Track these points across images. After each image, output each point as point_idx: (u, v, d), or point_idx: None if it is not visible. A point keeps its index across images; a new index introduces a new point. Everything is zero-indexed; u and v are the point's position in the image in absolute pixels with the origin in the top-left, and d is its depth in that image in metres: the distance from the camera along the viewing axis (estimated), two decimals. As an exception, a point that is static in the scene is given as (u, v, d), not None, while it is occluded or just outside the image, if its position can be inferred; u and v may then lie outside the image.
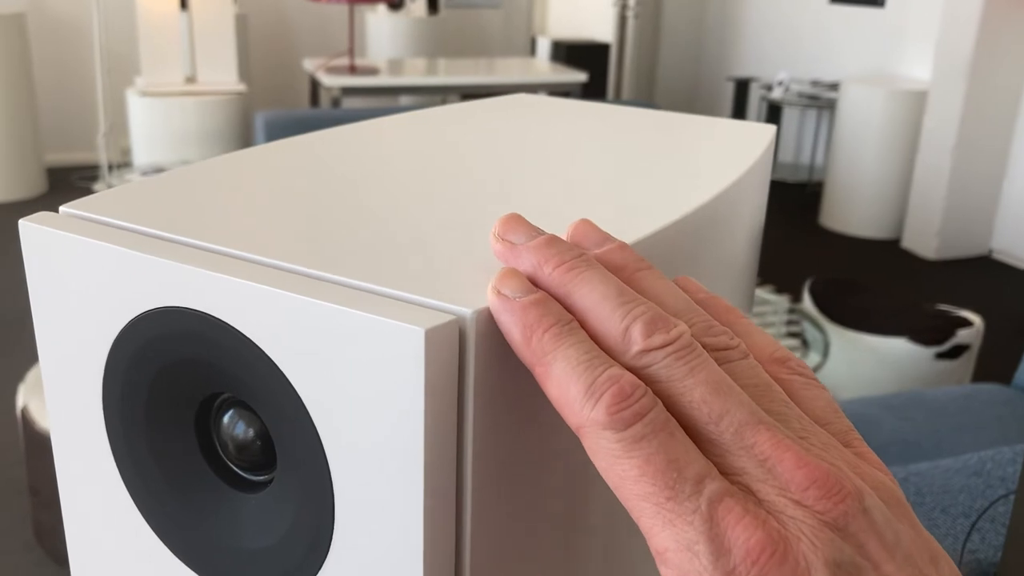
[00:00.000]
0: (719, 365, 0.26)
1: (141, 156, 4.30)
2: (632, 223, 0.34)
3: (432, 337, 0.25)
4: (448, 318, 0.26)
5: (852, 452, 0.26)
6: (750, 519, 0.23)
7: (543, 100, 0.60)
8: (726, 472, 0.24)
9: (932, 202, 4.24)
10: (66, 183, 4.70)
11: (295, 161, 0.42)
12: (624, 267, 0.29)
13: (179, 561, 0.33)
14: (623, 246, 0.30)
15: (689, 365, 0.25)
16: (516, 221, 0.29)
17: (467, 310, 0.26)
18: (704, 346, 0.26)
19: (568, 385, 0.25)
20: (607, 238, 0.30)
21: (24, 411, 1.84)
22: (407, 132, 0.50)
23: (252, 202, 0.36)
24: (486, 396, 0.27)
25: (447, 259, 0.30)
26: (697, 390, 0.25)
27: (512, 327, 0.26)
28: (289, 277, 0.28)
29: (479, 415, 0.27)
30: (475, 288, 0.28)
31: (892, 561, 0.24)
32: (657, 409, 0.24)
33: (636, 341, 0.25)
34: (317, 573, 0.30)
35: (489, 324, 0.27)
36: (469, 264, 0.30)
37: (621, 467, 0.24)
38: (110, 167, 4.54)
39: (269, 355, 0.28)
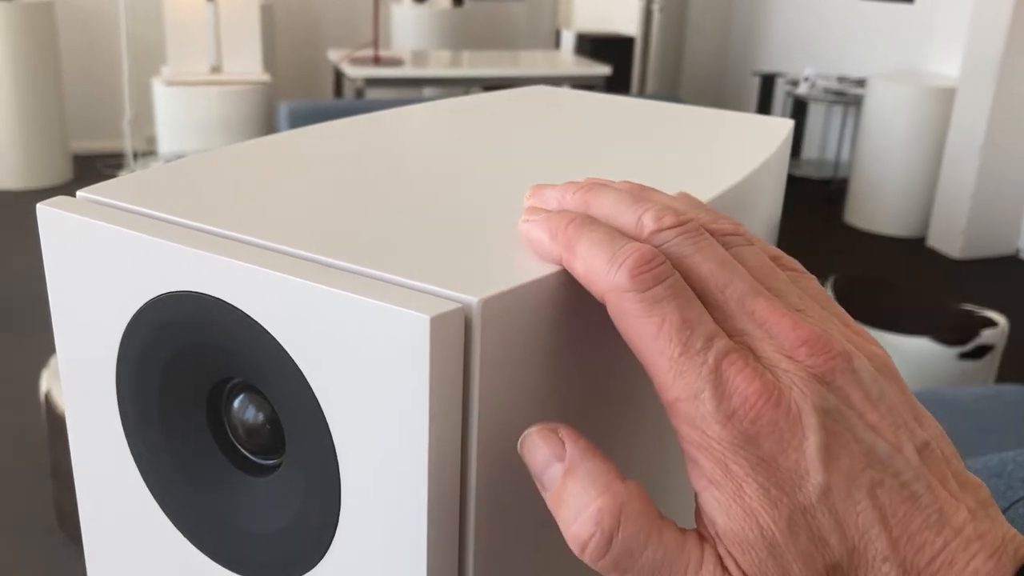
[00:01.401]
0: (726, 249, 0.29)
1: (166, 145, 4.34)
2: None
3: (437, 324, 0.25)
4: (454, 306, 0.26)
5: (849, 330, 0.29)
6: (750, 371, 0.26)
7: (559, 92, 0.60)
8: (730, 334, 0.27)
9: (958, 201, 4.19)
10: (92, 171, 4.74)
11: (311, 149, 0.43)
12: (631, 190, 0.32)
13: (189, 542, 0.34)
14: (628, 182, 0.33)
15: (697, 244, 0.28)
16: (543, 184, 0.33)
17: (473, 298, 0.26)
18: (712, 232, 0.29)
19: (593, 259, 0.28)
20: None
21: (47, 395, 1.86)
22: (423, 122, 0.50)
23: (266, 189, 0.36)
24: (491, 384, 0.27)
25: (456, 248, 0.31)
26: (705, 264, 0.28)
27: (541, 233, 0.29)
28: (299, 263, 0.29)
29: (484, 402, 0.27)
30: (482, 276, 0.28)
31: (876, 411, 0.26)
32: (675, 276, 0.27)
33: (648, 225, 0.29)
34: (323, 556, 0.30)
35: (495, 313, 0.27)
36: (477, 253, 0.30)
37: (641, 325, 0.26)
38: (135, 155, 4.58)
39: (278, 340, 0.28)
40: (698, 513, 0.27)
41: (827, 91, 5.03)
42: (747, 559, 0.25)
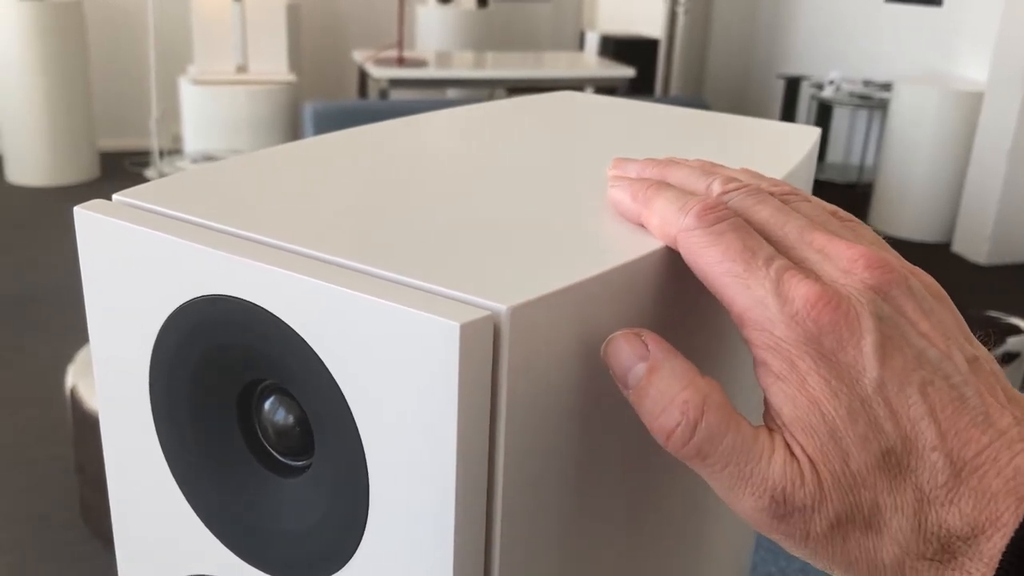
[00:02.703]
0: (784, 204, 0.33)
1: (192, 143, 4.37)
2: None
3: (467, 331, 0.26)
4: (483, 313, 0.26)
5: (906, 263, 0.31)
6: (810, 280, 0.29)
7: (586, 97, 0.60)
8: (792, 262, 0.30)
9: (985, 206, 4.15)
10: (118, 168, 4.79)
11: (341, 155, 0.43)
12: (702, 165, 0.36)
13: (217, 541, 0.34)
14: (699, 159, 0.37)
15: (757, 198, 0.32)
16: (625, 158, 0.38)
17: (502, 306, 0.26)
18: (772, 194, 0.33)
19: (666, 211, 0.32)
20: None
21: (73, 391, 1.88)
22: (452, 128, 0.50)
23: (298, 194, 0.37)
24: (519, 391, 0.28)
25: (486, 255, 0.31)
26: (765, 211, 0.32)
27: (623, 194, 0.34)
28: (330, 268, 0.29)
29: (512, 409, 0.28)
30: (512, 284, 0.28)
31: (927, 322, 0.29)
32: (737, 217, 0.31)
33: (715, 189, 0.33)
34: (351, 557, 0.30)
35: (524, 321, 0.27)
36: (507, 260, 0.31)
37: (708, 254, 0.30)
38: (161, 153, 4.62)
39: (309, 344, 0.29)
40: (766, 410, 0.29)
41: (852, 95, 5.00)
42: (811, 443, 0.28)
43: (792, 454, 0.28)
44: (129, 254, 0.33)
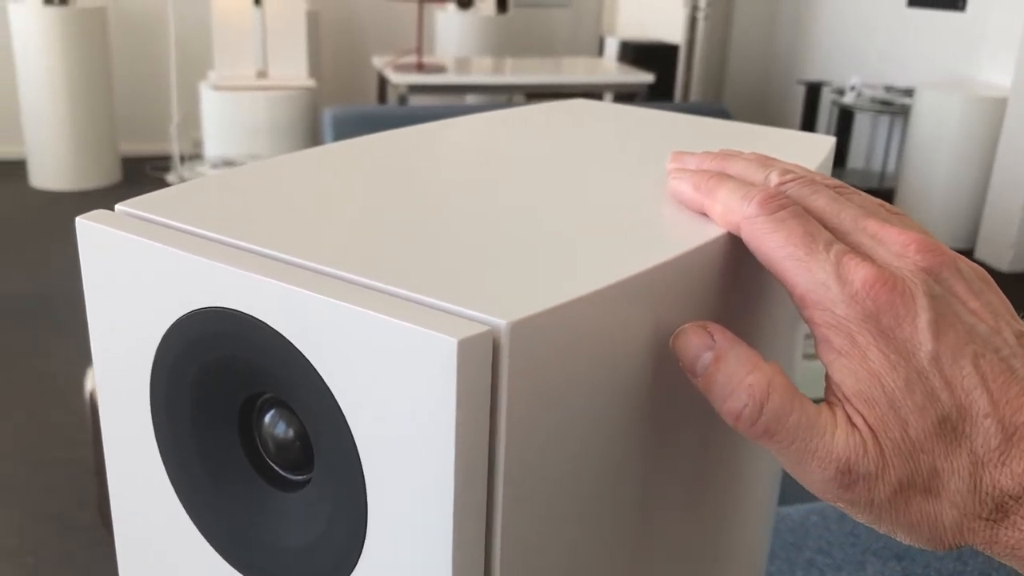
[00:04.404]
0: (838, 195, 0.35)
1: (212, 148, 4.39)
2: (681, 235, 0.34)
3: (465, 347, 0.25)
4: (482, 328, 0.26)
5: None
6: (868, 263, 0.31)
7: (598, 105, 0.60)
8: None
9: (1008, 212, 4.11)
10: (140, 173, 4.82)
11: (345, 165, 0.43)
12: (758, 158, 0.38)
13: (217, 554, 0.34)
14: (755, 152, 0.39)
15: (813, 188, 0.35)
16: (684, 152, 0.40)
17: (502, 321, 0.26)
18: (825, 186, 0.35)
19: (729, 200, 0.34)
20: None
21: (92, 394, 1.89)
22: (456, 138, 0.50)
23: (302, 205, 0.37)
24: (519, 408, 0.27)
25: (490, 267, 0.30)
26: (820, 200, 0.34)
27: (685, 185, 0.36)
28: (328, 281, 0.29)
29: (512, 426, 0.27)
30: (511, 298, 0.28)
31: (977, 301, 0.31)
32: (797, 205, 0.33)
33: (774, 180, 0.35)
34: (351, 573, 0.30)
35: (525, 336, 0.27)
36: (512, 273, 0.30)
37: (772, 239, 0.32)
38: (182, 158, 4.65)
39: (307, 357, 0.28)
40: (827, 385, 0.31)
41: (873, 100, 4.96)
42: (872, 413, 0.30)
43: (853, 426, 0.30)
44: (130, 265, 0.33)
